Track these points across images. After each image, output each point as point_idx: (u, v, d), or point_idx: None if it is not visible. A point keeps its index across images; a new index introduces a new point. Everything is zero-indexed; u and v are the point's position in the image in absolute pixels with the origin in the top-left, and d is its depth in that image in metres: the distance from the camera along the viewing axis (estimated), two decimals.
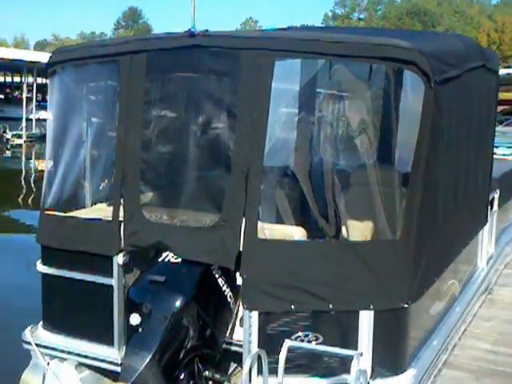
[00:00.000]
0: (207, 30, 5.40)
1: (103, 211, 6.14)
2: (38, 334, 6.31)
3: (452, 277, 6.77)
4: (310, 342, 5.10)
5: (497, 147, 10.38)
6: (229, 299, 5.68)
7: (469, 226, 7.46)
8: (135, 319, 5.32)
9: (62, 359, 6.14)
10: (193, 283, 5.57)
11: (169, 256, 5.64)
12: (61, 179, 6.35)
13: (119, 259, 5.74)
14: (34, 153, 41.89)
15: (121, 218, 5.76)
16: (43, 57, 41.50)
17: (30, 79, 52.43)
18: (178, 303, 5.34)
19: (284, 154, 6.95)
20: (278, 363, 4.73)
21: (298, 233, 5.78)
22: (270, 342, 5.08)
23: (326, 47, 5.09)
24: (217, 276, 5.59)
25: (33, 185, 28.95)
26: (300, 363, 5.09)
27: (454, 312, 6.88)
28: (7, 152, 44.54)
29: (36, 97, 51.27)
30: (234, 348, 5.85)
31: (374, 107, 6.29)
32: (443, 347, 6.37)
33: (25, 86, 50.98)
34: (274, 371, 4.79)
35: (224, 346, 5.82)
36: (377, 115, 6.28)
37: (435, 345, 6.06)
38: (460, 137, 6.29)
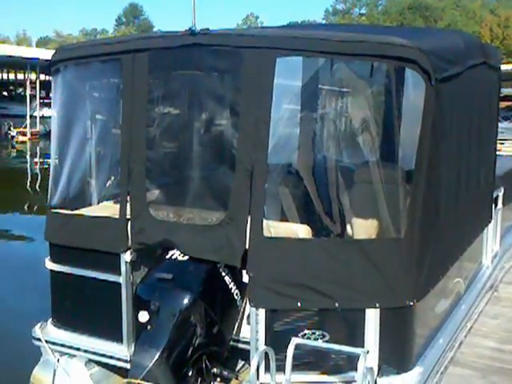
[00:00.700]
0: (208, 29, 5.43)
1: (110, 209, 6.18)
2: (48, 331, 6.38)
3: (457, 275, 6.78)
4: (316, 339, 5.13)
5: (502, 143, 10.37)
6: (235, 297, 5.70)
7: (473, 223, 7.46)
8: (143, 316, 5.35)
9: (72, 356, 6.21)
10: (200, 281, 5.60)
11: (176, 254, 5.66)
12: (66, 177, 6.40)
13: (127, 257, 5.79)
14: (38, 150, 41.87)
15: (127, 216, 5.80)
16: (46, 54, 41.51)
17: (33, 76, 52.40)
18: (185, 301, 5.37)
19: (287, 152, 6.96)
20: (285, 360, 4.77)
21: (302, 231, 5.80)
22: (276, 340, 5.12)
23: (327, 46, 5.12)
24: (223, 274, 5.62)
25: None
26: (307, 361, 5.13)
27: (460, 310, 6.89)
28: (12, 150, 44.55)
29: (40, 94, 51.28)
30: (241, 345, 5.88)
31: (376, 105, 6.31)
32: (449, 345, 6.37)
33: (28, 83, 50.91)
34: (281, 368, 4.83)
35: (231, 343, 5.86)
36: (379, 113, 6.31)
37: (441, 343, 6.08)
38: (462, 134, 6.31)
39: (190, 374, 5.43)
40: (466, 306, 7.11)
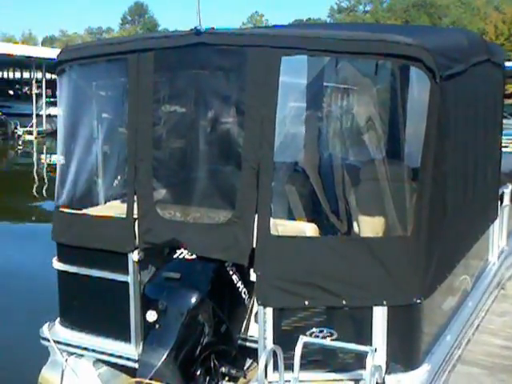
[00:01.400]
0: (213, 28, 5.45)
1: (117, 208, 6.19)
2: (56, 331, 6.39)
3: (464, 272, 6.78)
4: (324, 337, 5.14)
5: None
6: (243, 295, 5.72)
7: (479, 220, 7.46)
8: (152, 316, 5.36)
9: (80, 355, 6.22)
10: (208, 280, 5.62)
11: (183, 253, 5.67)
12: (73, 177, 6.41)
13: (134, 256, 5.80)
14: (45, 148, 41.92)
15: (135, 216, 5.81)
16: (52, 52, 41.49)
17: (39, 75, 52.42)
18: (193, 300, 5.38)
19: (293, 150, 6.98)
20: (292, 359, 4.79)
21: (309, 229, 5.81)
22: (284, 338, 5.14)
23: (332, 44, 5.15)
24: (231, 272, 5.63)
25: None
26: (315, 359, 5.15)
27: (467, 307, 6.89)
28: (19, 148, 44.61)
29: (46, 92, 51.30)
30: (249, 344, 5.89)
31: (381, 102, 6.32)
32: (456, 343, 6.38)
33: (34, 82, 50.94)
34: (288, 367, 4.86)
35: (239, 341, 5.87)
36: (384, 110, 6.31)
37: (448, 340, 6.08)
38: (467, 131, 6.31)
39: (199, 373, 5.44)
40: (472, 303, 7.11)
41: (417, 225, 5.15)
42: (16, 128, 48.09)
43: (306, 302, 5.14)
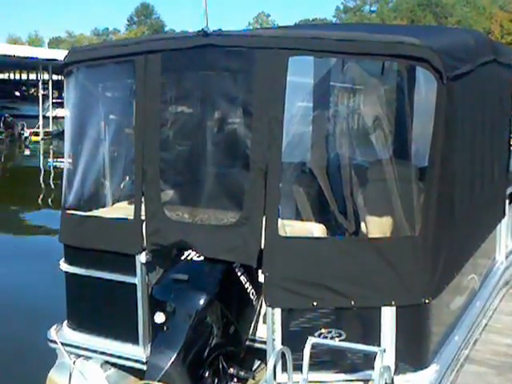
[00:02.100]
0: (220, 29, 5.46)
1: (124, 210, 6.20)
2: (63, 333, 6.39)
3: (471, 271, 6.77)
4: (332, 338, 5.14)
5: None
6: (251, 296, 5.71)
7: (486, 220, 7.45)
8: (160, 318, 5.36)
9: (88, 358, 6.21)
10: (216, 281, 5.61)
11: (191, 254, 5.68)
12: (80, 178, 6.41)
13: (142, 258, 5.79)
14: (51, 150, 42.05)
15: (142, 217, 5.81)
16: (58, 54, 41.58)
17: (46, 76, 52.53)
18: (201, 301, 5.38)
19: (301, 151, 6.98)
20: (301, 360, 4.78)
21: (317, 229, 5.82)
22: (293, 339, 5.13)
23: (339, 46, 5.15)
24: (239, 274, 5.63)
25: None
26: (323, 360, 5.14)
27: (475, 307, 6.88)
28: (26, 150, 44.72)
29: (52, 94, 51.42)
30: (257, 345, 5.88)
31: (388, 102, 6.31)
32: (465, 342, 6.37)
33: (40, 84, 51.05)
34: (297, 368, 4.85)
35: (247, 343, 5.86)
36: (391, 110, 6.32)
37: (457, 340, 6.08)
38: (475, 131, 6.31)
39: (207, 374, 5.44)
40: (480, 302, 7.10)
41: (425, 225, 5.15)
42: (23, 129, 48.21)
43: (315, 303, 5.14)
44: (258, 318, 5.92)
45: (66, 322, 6.47)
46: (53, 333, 6.37)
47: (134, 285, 5.87)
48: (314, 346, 4.83)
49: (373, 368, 4.57)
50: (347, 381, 5.21)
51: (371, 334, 5.16)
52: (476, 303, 6.96)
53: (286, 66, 5.14)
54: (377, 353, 4.58)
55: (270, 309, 5.21)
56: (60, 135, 40.28)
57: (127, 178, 6.63)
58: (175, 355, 5.26)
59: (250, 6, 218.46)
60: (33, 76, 64.32)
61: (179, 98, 6.09)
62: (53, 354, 6.44)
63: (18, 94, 61.48)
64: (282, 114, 5.18)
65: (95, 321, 6.23)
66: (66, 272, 6.36)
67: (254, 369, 6.02)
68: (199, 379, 5.41)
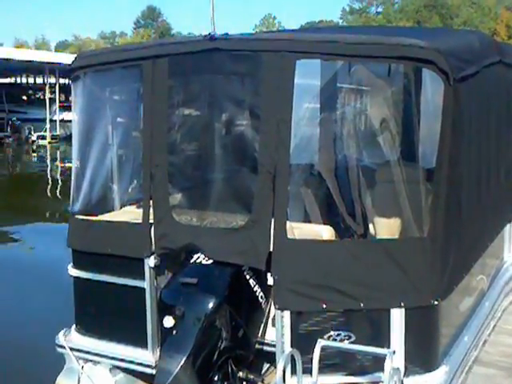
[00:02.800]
0: (227, 34, 5.47)
1: (132, 214, 6.21)
2: (72, 338, 6.39)
3: (480, 272, 6.76)
4: (342, 340, 5.13)
5: None
6: (260, 299, 5.71)
7: (495, 220, 7.44)
8: (169, 322, 5.36)
9: (96, 362, 6.21)
10: (225, 285, 5.61)
11: (200, 258, 5.68)
12: (88, 183, 6.42)
13: (150, 262, 5.79)
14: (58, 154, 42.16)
15: (151, 221, 5.82)
16: (65, 57, 41.66)
17: (53, 80, 52.62)
18: (210, 305, 5.38)
19: (309, 153, 6.99)
20: (310, 363, 4.78)
21: (326, 232, 5.81)
22: (302, 342, 5.13)
23: (345, 48, 5.16)
24: (248, 277, 5.63)
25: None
26: (333, 362, 5.13)
27: (484, 308, 6.87)
28: (33, 154, 44.83)
29: (59, 97, 51.54)
30: (266, 348, 5.88)
31: (395, 104, 6.32)
32: (474, 344, 6.35)
33: (47, 88, 51.15)
34: (307, 371, 4.85)
35: (256, 346, 5.87)
36: (398, 112, 6.32)
37: (466, 341, 6.06)
38: (482, 132, 6.32)
39: (216, 378, 5.44)
40: (489, 303, 7.08)
41: (433, 226, 5.15)
42: (30, 133, 48.34)
43: (324, 305, 5.13)
44: (266, 321, 5.92)
45: (74, 326, 6.47)
46: (61, 338, 6.37)
47: (143, 289, 5.87)
48: (323, 349, 4.82)
49: (382, 370, 4.56)
50: (357, 383, 5.20)
51: (380, 336, 5.15)
52: (485, 304, 6.94)
53: (293, 69, 5.15)
54: (386, 355, 4.58)
55: (279, 311, 5.20)
56: (67, 139, 40.50)
57: (135, 181, 6.63)
58: (185, 359, 5.25)
59: (255, 7, 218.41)
60: (39, 80, 64.40)
61: (187, 101, 6.10)
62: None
63: (24, 97, 61.60)
64: (289, 116, 5.18)
65: (104, 325, 6.22)
66: (74, 277, 6.36)
67: (263, 372, 6.03)
68: (208, 383, 5.40)
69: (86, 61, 6.34)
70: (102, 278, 6.11)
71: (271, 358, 5.60)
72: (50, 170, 36.37)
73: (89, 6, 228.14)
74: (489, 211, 6.92)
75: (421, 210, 5.33)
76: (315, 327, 5.19)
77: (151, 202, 5.82)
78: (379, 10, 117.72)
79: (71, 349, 6.28)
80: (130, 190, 6.75)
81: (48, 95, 50.32)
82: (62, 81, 53.47)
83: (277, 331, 5.26)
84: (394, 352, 4.79)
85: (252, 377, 5.67)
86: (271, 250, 5.25)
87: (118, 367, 6.16)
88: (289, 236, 5.23)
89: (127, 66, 6.06)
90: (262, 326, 5.89)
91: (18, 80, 71.35)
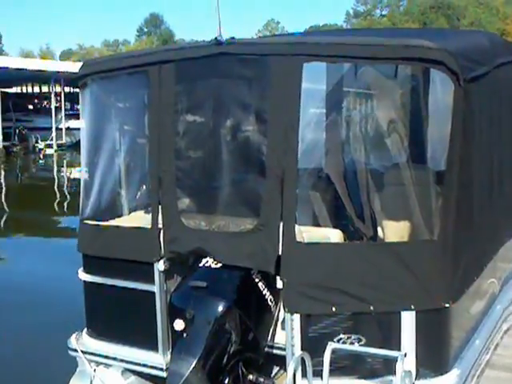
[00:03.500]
0: (233, 38, 5.46)
1: (141, 219, 6.21)
2: (83, 341, 6.42)
3: (491, 275, 6.72)
4: (352, 343, 5.12)
5: None
6: (269, 303, 5.70)
7: (505, 223, 7.41)
8: (179, 325, 5.36)
9: (108, 365, 6.23)
10: (234, 288, 5.63)
11: (209, 261, 5.68)
12: (97, 189, 6.44)
13: (160, 266, 5.81)
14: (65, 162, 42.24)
15: (160, 226, 5.83)
16: (69, 66, 41.75)
17: (58, 89, 52.79)
18: (220, 308, 5.38)
19: (316, 156, 6.95)
20: (321, 366, 4.76)
21: (335, 235, 5.81)
22: (312, 345, 5.12)
23: (353, 51, 5.16)
24: (257, 280, 5.62)
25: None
26: (344, 365, 5.11)
27: (495, 311, 6.83)
28: (41, 162, 44.96)
29: (64, 106, 51.71)
30: (276, 351, 5.86)
31: (404, 106, 6.31)
32: (486, 347, 6.32)
33: (53, 96, 51.31)
34: (317, 374, 4.84)
35: (266, 349, 5.85)
36: (406, 114, 6.31)
37: (477, 344, 6.02)
38: (492, 133, 6.28)
39: (227, 381, 5.43)
40: (500, 306, 7.04)
41: (443, 228, 5.12)
42: (37, 142, 48.49)
43: (334, 309, 5.12)
44: (276, 324, 5.91)
45: (85, 330, 6.49)
46: (73, 341, 6.40)
47: (153, 293, 5.88)
48: (333, 352, 4.81)
49: (393, 373, 4.55)
50: None
51: (391, 339, 5.13)
52: (496, 307, 6.90)
53: (300, 72, 5.14)
54: (397, 357, 4.56)
55: (288, 315, 5.20)
56: (73, 146, 40.60)
57: (143, 187, 6.65)
58: (195, 362, 5.25)
59: (258, 11, 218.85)
60: (45, 89, 64.63)
61: (194, 106, 6.09)
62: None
63: (31, 106, 61.78)
64: (297, 120, 5.18)
65: (114, 329, 6.25)
66: (84, 281, 6.38)
67: (273, 375, 6.02)
68: None
69: (93, 68, 6.36)
70: (112, 282, 6.12)
71: (281, 361, 5.59)
72: (58, 179, 36.47)
73: (92, 15, 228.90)
74: (500, 214, 6.90)
75: (431, 213, 5.30)
76: (325, 330, 5.18)
77: (160, 206, 5.82)
78: (384, 13, 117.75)
79: (83, 352, 6.30)
80: (138, 195, 6.77)
81: (54, 104, 50.47)
82: (67, 89, 53.69)
83: (287, 334, 5.25)
84: (406, 354, 4.77)
85: (262, 380, 5.65)
86: (280, 253, 5.24)
87: (129, 370, 6.17)
88: (298, 239, 5.23)
89: (134, 72, 6.07)
90: (272, 329, 5.87)
91: (24, 89, 71.66)
